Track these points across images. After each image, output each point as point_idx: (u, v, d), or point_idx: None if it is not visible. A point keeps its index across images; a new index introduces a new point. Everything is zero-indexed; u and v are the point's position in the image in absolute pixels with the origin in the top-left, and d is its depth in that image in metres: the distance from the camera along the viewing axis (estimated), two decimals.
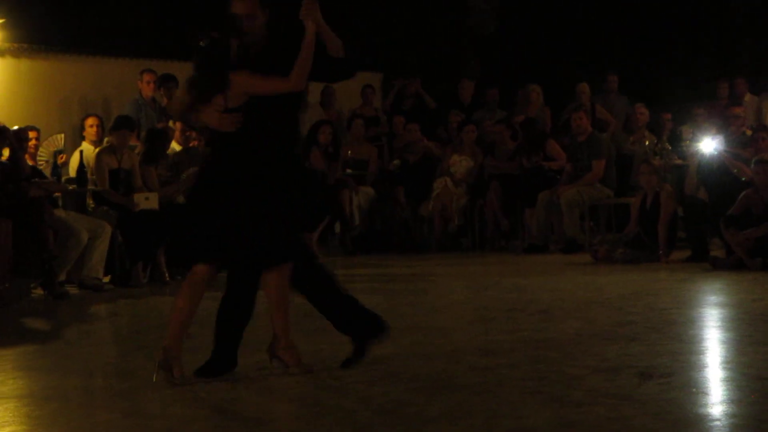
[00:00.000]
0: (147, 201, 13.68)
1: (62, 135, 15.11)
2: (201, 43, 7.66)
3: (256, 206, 7.44)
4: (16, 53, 15.85)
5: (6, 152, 12.78)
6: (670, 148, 17.69)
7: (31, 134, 14.27)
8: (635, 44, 22.02)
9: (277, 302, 7.61)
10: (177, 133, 14.95)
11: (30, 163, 13.59)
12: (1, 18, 15.35)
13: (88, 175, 14.15)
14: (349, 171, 17.13)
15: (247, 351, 7.87)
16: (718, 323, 9.96)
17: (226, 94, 7.49)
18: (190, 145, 14.85)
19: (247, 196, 7.44)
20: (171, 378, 7.31)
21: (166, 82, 16.11)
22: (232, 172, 7.48)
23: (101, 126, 15.04)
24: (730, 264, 13.62)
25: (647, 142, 17.93)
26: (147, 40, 18.03)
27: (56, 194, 13.70)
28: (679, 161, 17.39)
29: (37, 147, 14.57)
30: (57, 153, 14.81)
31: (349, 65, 7.95)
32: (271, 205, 7.47)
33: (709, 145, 15.56)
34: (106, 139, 14.56)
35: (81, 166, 14.19)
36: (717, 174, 15.34)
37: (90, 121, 15.09)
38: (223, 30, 7.57)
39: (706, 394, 6.68)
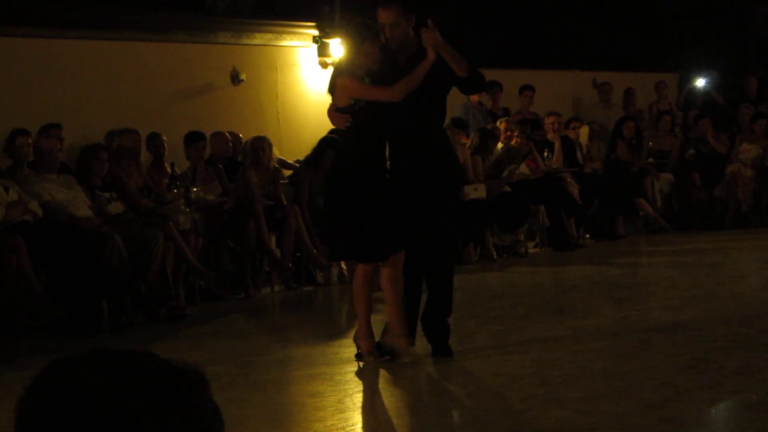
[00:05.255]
0: (476, 191, 13.88)
1: None
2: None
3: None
4: None
5: None
6: None
7: None
8: None
9: (394, 294, 7.39)
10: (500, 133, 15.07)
11: None
12: None
13: None
14: (651, 160, 17.03)
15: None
16: None
17: (333, 95, 7.43)
18: (512, 143, 14.95)
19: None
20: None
21: (490, 87, 16.16)
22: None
23: None
24: None
25: None
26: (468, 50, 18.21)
27: None
28: None
29: None
30: None
31: (476, 84, 7.75)
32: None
33: None
34: None
35: None
36: None
37: None
38: (360, 36, 7.37)
39: None
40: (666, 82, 19.26)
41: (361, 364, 7.37)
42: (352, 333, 7.74)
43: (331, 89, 7.49)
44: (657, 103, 18.81)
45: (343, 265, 12.16)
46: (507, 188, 14.44)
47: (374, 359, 7.38)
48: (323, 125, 13.87)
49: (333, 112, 7.46)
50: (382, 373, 7.17)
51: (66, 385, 1.65)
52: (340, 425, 5.82)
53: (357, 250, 7.46)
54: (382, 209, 7.29)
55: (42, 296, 9.29)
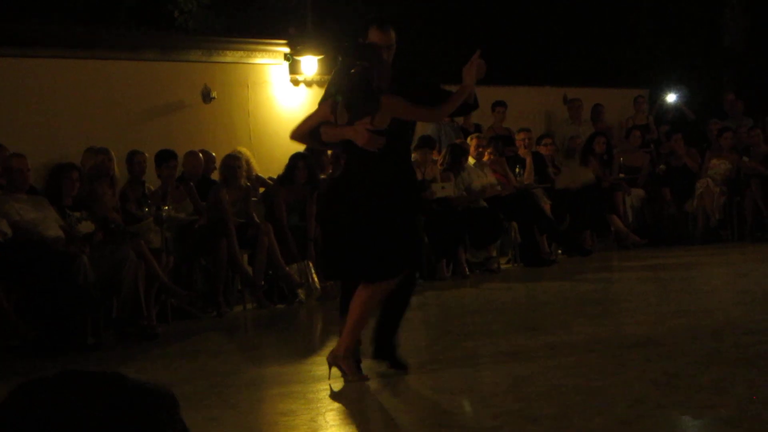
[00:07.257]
0: (443, 190, 13.85)
1: None
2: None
3: (379, 223, 7.12)
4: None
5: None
6: None
7: None
8: None
9: (359, 315, 7.19)
10: (472, 149, 15.07)
11: None
12: (321, 54, 15.68)
13: None
14: (622, 175, 17.08)
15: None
16: None
17: (374, 116, 7.07)
18: (484, 159, 14.97)
19: (373, 214, 7.12)
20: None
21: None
22: (363, 191, 7.14)
23: None
24: None
25: None
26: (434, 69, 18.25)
27: None
28: None
29: None
30: None
31: (469, 107, 7.83)
32: (393, 223, 7.16)
33: None
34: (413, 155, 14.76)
35: None
36: None
37: None
38: (371, 57, 7.16)
39: None
40: (644, 97, 19.34)
41: (333, 385, 7.31)
42: (325, 351, 7.69)
43: (366, 110, 7.12)
44: (634, 118, 18.85)
45: (316, 282, 12.13)
46: (483, 203, 14.45)
47: (356, 379, 7.32)
48: (295, 143, 13.87)
49: (367, 132, 7.08)
50: (355, 391, 7.14)
51: (35, 406, 1.63)
52: None
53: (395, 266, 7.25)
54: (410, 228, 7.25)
55: (11, 316, 9.22)
